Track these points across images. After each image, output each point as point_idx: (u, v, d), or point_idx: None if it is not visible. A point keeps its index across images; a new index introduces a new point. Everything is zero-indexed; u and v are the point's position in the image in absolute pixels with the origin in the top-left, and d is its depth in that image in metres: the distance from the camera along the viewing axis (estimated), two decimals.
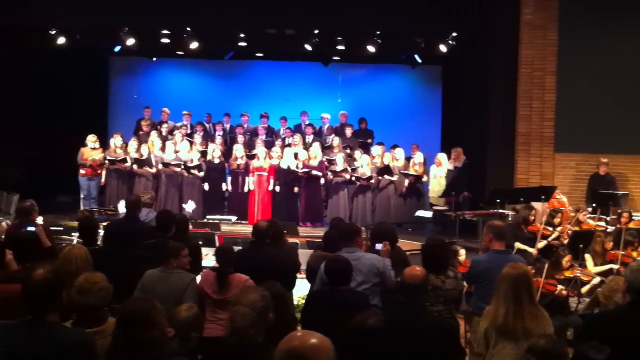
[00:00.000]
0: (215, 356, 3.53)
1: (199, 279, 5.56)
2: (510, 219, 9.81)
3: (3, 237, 7.77)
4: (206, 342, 4.65)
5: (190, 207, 9.71)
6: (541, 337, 3.55)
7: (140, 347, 3.12)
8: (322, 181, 12.55)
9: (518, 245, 8.39)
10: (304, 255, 7.31)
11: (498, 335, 4.18)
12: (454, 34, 12.73)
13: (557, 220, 9.16)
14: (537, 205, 9.52)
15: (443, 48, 12.97)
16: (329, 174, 12.49)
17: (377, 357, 3.09)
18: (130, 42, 13.22)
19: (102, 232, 8.57)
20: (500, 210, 9.82)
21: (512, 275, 4.21)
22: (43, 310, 3.25)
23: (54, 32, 12.88)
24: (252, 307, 3.38)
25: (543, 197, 9.97)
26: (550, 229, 8.83)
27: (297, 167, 12.41)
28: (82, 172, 12.46)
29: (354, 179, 12.36)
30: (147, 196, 8.37)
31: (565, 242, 8.73)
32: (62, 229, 9.99)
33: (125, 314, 3.26)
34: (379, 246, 5.62)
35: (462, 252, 7.77)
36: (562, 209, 9.91)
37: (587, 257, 8.04)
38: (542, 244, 8.59)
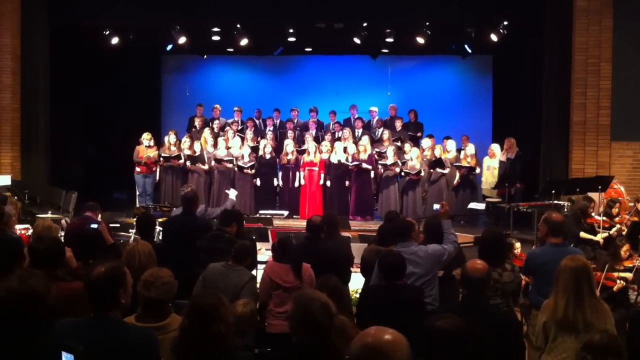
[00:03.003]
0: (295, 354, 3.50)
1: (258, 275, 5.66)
2: (565, 210, 9.63)
3: (62, 234, 8.04)
4: (274, 339, 4.68)
5: (232, 194, 9.82)
6: (596, 333, 3.50)
7: (207, 341, 3.17)
8: (372, 174, 12.54)
9: (583, 234, 8.23)
10: (356, 249, 7.34)
11: (557, 329, 4.12)
12: (505, 22, 12.51)
13: (615, 210, 8.97)
14: (593, 195, 9.32)
15: (494, 37, 12.77)
16: (379, 167, 12.47)
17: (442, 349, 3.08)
18: (182, 40, 13.44)
19: (158, 228, 8.78)
20: (555, 201, 9.64)
21: (571, 267, 4.15)
22: (105, 306, 3.30)
23: (107, 33, 13.19)
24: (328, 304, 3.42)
25: (600, 187, 9.74)
26: (606, 218, 8.65)
27: (347, 161, 12.43)
28: (138, 169, 12.75)
29: (403, 173, 12.31)
30: (187, 189, 8.11)
31: (624, 232, 8.54)
32: (118, 225, 10.20)
33: (194, 307, 3.30)
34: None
35: (517, 244, 7.66)
36: (620, 198, 9.68)
37: None
38: (602, 235, 8.41)
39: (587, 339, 3.41)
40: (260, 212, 11.90)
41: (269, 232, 9.56)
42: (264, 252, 8.51)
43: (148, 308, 3.74)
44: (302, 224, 10.17)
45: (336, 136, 13.53)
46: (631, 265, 7.16)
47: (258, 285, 5.61)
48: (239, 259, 5.38)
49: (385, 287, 4.91)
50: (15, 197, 10.82)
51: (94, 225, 5.87)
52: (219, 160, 12.52)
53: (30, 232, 8.44)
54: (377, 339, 2.25)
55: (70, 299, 3.94)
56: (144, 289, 3.73)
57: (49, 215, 9.85)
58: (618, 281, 6.86)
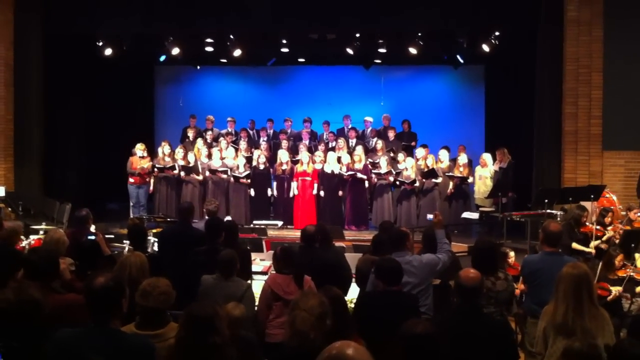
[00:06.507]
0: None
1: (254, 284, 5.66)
2: (558, 218, 9.68)
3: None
4: (274, 348, 4.69)
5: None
6: (576, 339, 3.55)
7: (203, 352, 3.20)
8: (366, 184, 12.57)
9: (574, 245, 8.29)
10: (350, 259, 7.36)
11: (556, 334, 4.18)
12: (497, 33, 12.61)
13: (607, 219, 9.01)
14: (586, 204, 9.37)
15: (485, 47, 12.85)
16: (374, 176, 12.50)
17: (434, 358, 3.13)
18: (175, 51, 13.47)
19: (151, 239, 8.79)
20: (548, 210, 9.70)
21: (572, 274, 4.21)
22: (105, 316, 3.34)
23: (101, 44, 13.20)
24: (310, 311, 3.46)
25: (592, 196, 9.81)
26: (599, 227, 8.70)
27: (341, 171, 12.45)
28: (131, 180, 12.73)
29: (397, 182, 12.35)
30: (211, 205, 8.25)
31: (617, 241, 8.59)
32: (112, 236, 10.18)
33: (190, 317, 3.33)
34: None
35: (512, 253, 7.72)
36: (612, 207, 9.74)
37: (637, 256, 7.88)
38: (594, 243, 8.46)
39: (567, 345, 3.46)
40: (255, 222, 11.91)
41: (264, 242, 9.59)
42: (258, 263, 8.52)
43: (145, 317, 3.76)
44: (296, 234, 10.19)
45: (330, 146, 13.57)
46: (624, 275, 7.21)
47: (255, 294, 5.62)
48: (227, 272, 5.35)
49: (382, 292, 4.93)
50: (9, 209, 10.80)
51: (91, 237, 5.86)
52: (213, 171, 12.53)
53: (24, 243, 8.42)
54: (339, 352, 2.32)
55: (65, 311, 3.96)
56: (141, 298, 3.75)
57: (42, 226, 9.81)
58: (612, 290, 6.91)
